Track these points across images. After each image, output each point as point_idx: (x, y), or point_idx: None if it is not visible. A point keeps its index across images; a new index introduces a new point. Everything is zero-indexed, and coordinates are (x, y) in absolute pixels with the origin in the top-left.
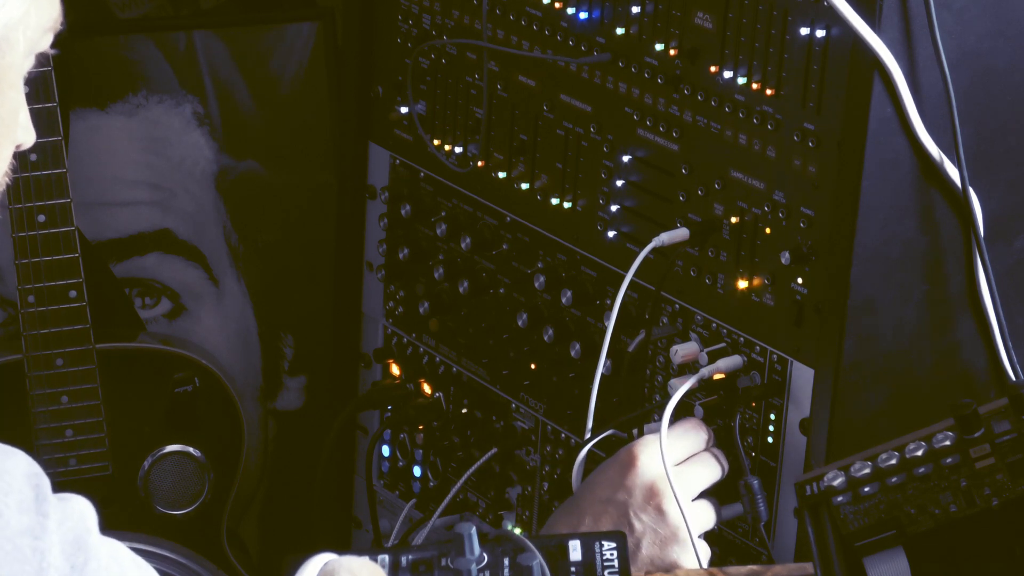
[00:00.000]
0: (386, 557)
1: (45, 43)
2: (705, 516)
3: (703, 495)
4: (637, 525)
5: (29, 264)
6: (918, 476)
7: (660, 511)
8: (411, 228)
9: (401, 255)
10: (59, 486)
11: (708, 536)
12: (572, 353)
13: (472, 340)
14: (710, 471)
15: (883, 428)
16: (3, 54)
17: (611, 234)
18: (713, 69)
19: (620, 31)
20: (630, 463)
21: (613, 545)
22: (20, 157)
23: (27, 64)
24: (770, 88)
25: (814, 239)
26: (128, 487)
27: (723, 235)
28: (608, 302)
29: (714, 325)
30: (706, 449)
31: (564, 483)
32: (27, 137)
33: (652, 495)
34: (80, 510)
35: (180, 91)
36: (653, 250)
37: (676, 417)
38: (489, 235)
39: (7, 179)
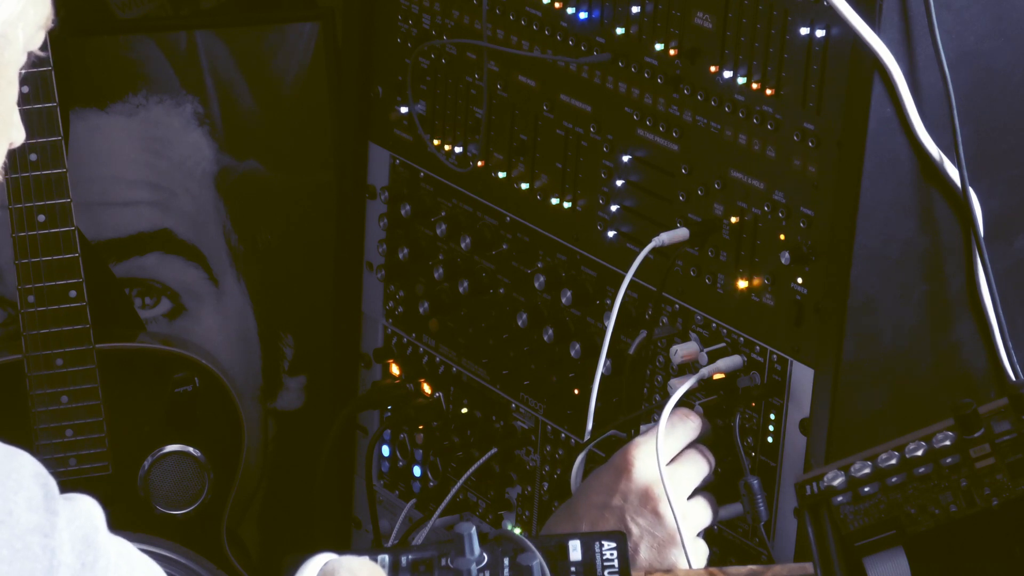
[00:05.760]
0: (386, 557)
1: (39, 40)
2: (702, 514)
3: (699, 492)
4: (635, 529)
5: (29, 264)
6: (918, 476)
7: (657, 514)
8: (411, 228)
9: (401, 255)
10: (59, 486)
11: (708, 536)
12: (572, 353)
13: (472, 340)
14: (698, 468)
15: (883, 428)
16: (1, 51)
17: (611, 234)
18: (713, 69)
19: (620, 31)
20: (625, 468)
21: (613, 545)
22: (20, 157)
23: (22, 60)
24: (770, 88)
25: (814, 239)
26: (128, 487)
27: (723, 235)
28: (608, 302)
29: (714, 325)
30: (692, 445)
31: (564, 483)
32: (19, 135)
33: (648, 499)
34: (88, 509)
35: (180, 91)
36: (653, 250)
37: None
38: (489, 235)
39: (1, 177)
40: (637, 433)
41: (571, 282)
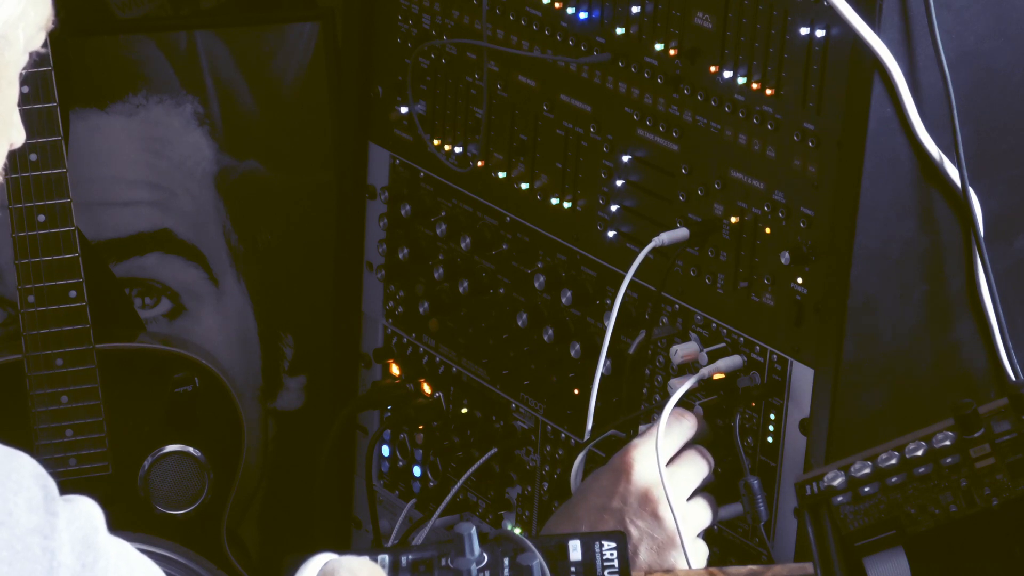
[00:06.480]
0: (386, 557)
1: (39, 40)
2: (702, 514)
3: (699, 493)
4: (634, 532)
5: (29, 264)
6: (918, 476)
7: (656, 517)
8: (411, 228)
9: (401, 255)
10: (59, 486)
11: (708, 536)
12: (572, 353)
13: (472, 340)
14: (698, 469)
15: (883, 428)
16: (2, 51)
17: (611, 234)
18: (713, 69)
19: (620, 31)
20: (624, 470)
21: (613, 545)
22: (20, 157)
23: (23, 61)
24: (770, 88)
25: (814, 239)
26: (128, 487)
27: (723, 235)
28: (608, 302)
29: (714, 325)
30: (691, 446)
31: (564, 483)
32: (20, 136)
33: (647, 501)
34: (87, 510)
35: (180, 91)
36: (653, 250)
37: None
38: (489, 235)
39: (1, 177)
40: (636, 433)
41: (571, 282)
